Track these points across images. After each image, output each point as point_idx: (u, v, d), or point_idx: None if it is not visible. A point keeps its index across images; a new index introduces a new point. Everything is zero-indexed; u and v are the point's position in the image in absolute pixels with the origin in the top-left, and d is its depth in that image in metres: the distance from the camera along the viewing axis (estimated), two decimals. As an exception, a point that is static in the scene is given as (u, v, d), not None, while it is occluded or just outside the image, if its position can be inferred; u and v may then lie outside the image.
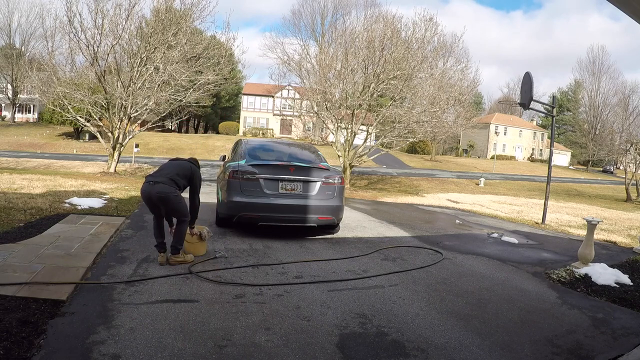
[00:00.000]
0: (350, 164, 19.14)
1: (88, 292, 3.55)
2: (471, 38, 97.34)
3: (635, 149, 28.14)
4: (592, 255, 5.25)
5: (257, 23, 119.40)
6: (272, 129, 55.78)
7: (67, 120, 31.78)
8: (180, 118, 21.75)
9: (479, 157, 60.91)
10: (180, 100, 17.57)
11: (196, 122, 65.84)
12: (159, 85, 16.62)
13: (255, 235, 6.11)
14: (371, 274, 4.62)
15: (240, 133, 54.49)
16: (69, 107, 16.96)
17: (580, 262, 5.31)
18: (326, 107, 19.08)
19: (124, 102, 16.41)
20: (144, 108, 17.02)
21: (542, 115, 57.37)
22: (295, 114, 28.89)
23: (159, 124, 25.21)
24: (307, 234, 6.48)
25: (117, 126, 16.91)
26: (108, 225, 6.08)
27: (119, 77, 16.24)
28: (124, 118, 16.93)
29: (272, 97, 54.78)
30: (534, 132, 69.03)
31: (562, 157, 66.40)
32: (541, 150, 68.15)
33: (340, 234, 6.77)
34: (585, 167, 62.34)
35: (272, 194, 5.90)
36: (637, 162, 27.60)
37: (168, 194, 4.37)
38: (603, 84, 62.90)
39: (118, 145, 17.24)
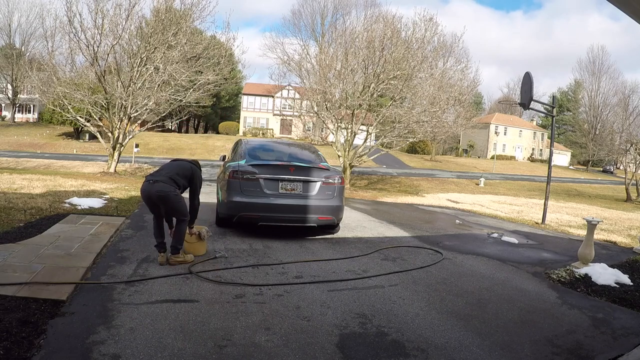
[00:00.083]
0: (350, 164, 19.14)
1: (88, 292, 3.55)
2: (471, 38, 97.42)
3: (635, 149, 28.14)
4: (592, 255, 5.25)
5: (257, 23, 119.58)
6: (272, 129, 55.78)
7: (67, 120, 31.80)
8: (180, 118, 21.75)
9: (479, 157, 60.92)
10: (180, 100, 17.57)
11: (196, 122, 65.84)
12: (159, 85, 16.62)
13: (255, 235, 6.11)
14: (371, 274, 4.62)
15: (240, 133, 54.49)
16: (69, 107, 16.96)
17: (580, 262, 5.31)
18: (326, 107, 19.08)
19: (124, 102, 16.41)
20: (144, 108, 17.02)
21: (542, 115, 57.38)
22: (295, 114, 28.89)
23: (159, 124, 25.21)
24: (307, 234, 6.48)
25: (117, 126, 16.91)
26: (108, 225, 6.08)
27: (119, 77, 16.24)
28: (124, 118, 16.93)
29: (272, 97, 54.78)
30: (534, 132, 69.04)
31: (562, 157, 66.41)
32: (541, 150, 68.16)
33: (340, 234, 6.77)
34: (585, 167, 62.34)
35: (272, 194, 5.90)
36: (637, 162, 27.60)
37: (168, 193, 4.37)
38: (603, 84, 62.99)
39: (118, 145, 17.25)
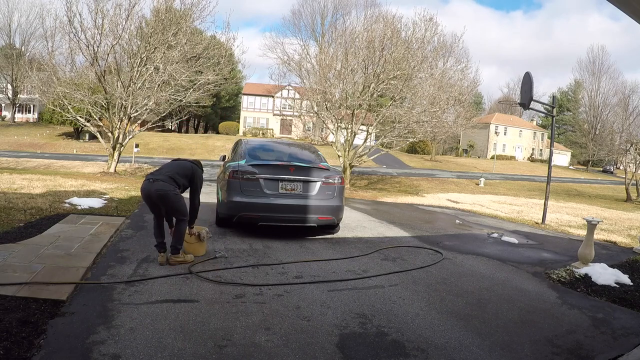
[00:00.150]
0: (350, 164, 19.14)
1: (88, 292, 3.55)
2: (471, 38, 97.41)
3: (635, 149, 28.14)
4: (592, 255, 5.25)
5: (257, 23, 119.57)
6: (272, 129, 55.78)
7: (67, 120, 31.80)
8: (180, 118, 21.74)
9: (479, 157, 60.91)
10: (180, 100, 17.57)
11: (196, 122, 65.84)
12: (159, 85, 16.62)
13: (255, 235, 6.11)
14: (371, 274, 4.62)
15: (240, 133, 54.48)
16: (69, 107, 16.96)
17: (580, 262, 5.31)
18: (326, 107, 19.08)
19: (124, 102, 16.41)
20: (144, 108, 17.02)
21: (542, 115, 57.38)
22: (295, 114, 28.89)
23: (159, 124, 25.21)
24: (307, 234, 6.48)
25: (117, 126, 16.91)
26: (108, 225, 6.08)
27: (119, 77, 16.24)
28: (124, 118, 16.92)
29: (272, 97, 54.78)
30: (534, 132, 69.03)
31: (562, 157, 66.40)
32: (541, 150, 68.15)
33: (340, 234, 6.77)
34: (585, 167, 62.34)
35: (272, 194, 5.90)
36: (637, 162, 27.60)
37: (167, 192, 4.37)
38: (603, 84, 62.98)
39: (118, 145, 17.24)
